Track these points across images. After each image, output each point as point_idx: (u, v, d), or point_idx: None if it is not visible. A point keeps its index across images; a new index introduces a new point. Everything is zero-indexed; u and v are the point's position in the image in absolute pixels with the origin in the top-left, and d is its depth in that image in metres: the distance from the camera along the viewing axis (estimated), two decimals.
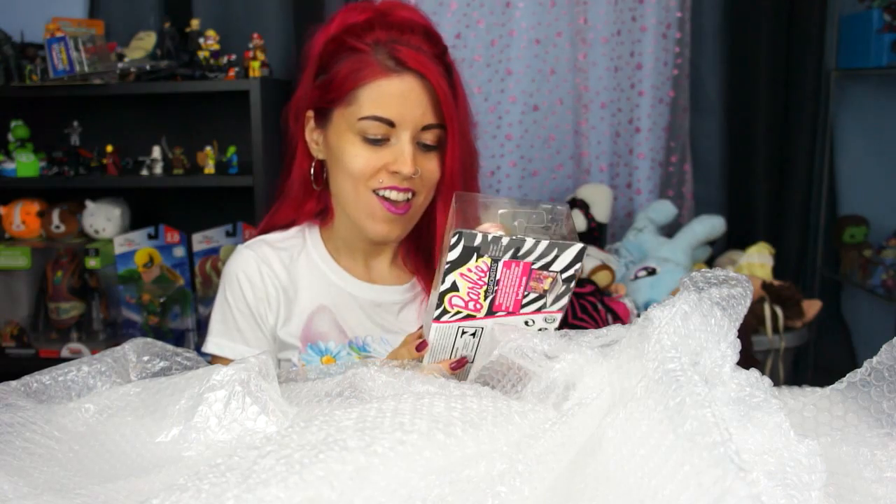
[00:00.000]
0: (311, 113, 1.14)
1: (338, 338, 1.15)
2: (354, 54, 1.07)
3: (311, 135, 1.15)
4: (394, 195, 1.08)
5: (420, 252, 1.20)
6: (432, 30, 1.10)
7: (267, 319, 1.15)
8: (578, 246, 0.80)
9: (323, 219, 1.21)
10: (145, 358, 0.86)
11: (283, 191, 1.22)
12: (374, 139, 1.06)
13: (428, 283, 1.18)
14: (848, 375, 0.75)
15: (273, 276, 1.16)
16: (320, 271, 1.18)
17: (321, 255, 1.19)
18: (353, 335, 1.15)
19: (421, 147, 1.08)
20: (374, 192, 1.09)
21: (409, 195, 1.09)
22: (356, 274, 1.19)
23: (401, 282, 1.20)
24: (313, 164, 1.16)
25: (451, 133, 1.08)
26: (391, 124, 1.06)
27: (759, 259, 2.26)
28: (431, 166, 1.09)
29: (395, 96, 1.05)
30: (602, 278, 2.10)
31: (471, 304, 0.84)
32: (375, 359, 1.12)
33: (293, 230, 1.21)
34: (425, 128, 1.07)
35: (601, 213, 2.41)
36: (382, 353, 1.14)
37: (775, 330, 2.07)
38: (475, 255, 0.81)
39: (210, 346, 1.16)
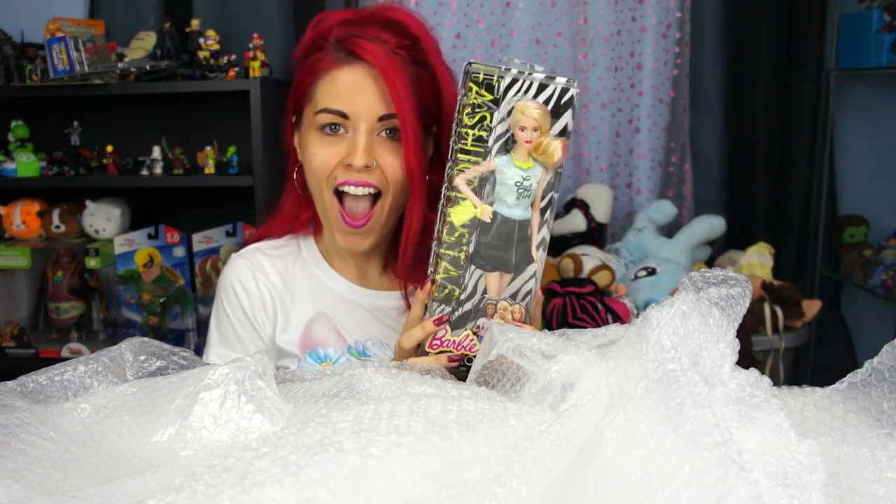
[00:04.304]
0: (294, 119, 1.14)
1: (337, 344, 1.13)
2: (316, 52, 1.06)
3: (295, 140, 1.14)
4: (352, 189, 1.04)
5: (398, 259, 1.11)
6: (400, 22, 1.05)
7: (264, 327, 1.14)
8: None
9: (315, 227, 1.19)
10: (142, 357, 0.86)
11: (279, 204, 1.21)
12: (329, 133, 1.04)
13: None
14: (848, 375, 0.75)
15: (268, 284, 1.14)
16: (317, 278, 1.16)
17: (317, 262, 1.17)
18: (352, 340, 1.14)
19: (384, 139, 1.04)
20: (336, 192, 1.05)
21: (370, 191, 1.04)
22: (352, 279, 1.16)
23: (396, 288, 1.16)
24: (297, 169, 1.14)
25: (402, 124, 1.01)
26: (344, 116, 1.02)
27: (758, 259, 2.25)
28: (392, 160, 1.03)
29: (345, 87, 1.02)
30: (602, 278, 2.09)
31: None
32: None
33: (286, 238, 1.19)
34: (382, 118, 1.02)
35: (601, 213, 2.40)
36: (383, 358, 1.12)
37: (775, 330, 2.06)
38: None
39: (211, 358, 1.14)
